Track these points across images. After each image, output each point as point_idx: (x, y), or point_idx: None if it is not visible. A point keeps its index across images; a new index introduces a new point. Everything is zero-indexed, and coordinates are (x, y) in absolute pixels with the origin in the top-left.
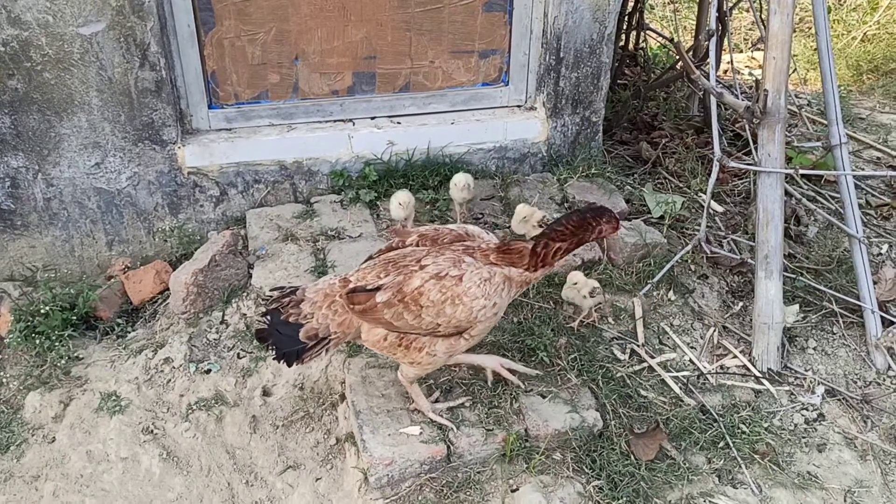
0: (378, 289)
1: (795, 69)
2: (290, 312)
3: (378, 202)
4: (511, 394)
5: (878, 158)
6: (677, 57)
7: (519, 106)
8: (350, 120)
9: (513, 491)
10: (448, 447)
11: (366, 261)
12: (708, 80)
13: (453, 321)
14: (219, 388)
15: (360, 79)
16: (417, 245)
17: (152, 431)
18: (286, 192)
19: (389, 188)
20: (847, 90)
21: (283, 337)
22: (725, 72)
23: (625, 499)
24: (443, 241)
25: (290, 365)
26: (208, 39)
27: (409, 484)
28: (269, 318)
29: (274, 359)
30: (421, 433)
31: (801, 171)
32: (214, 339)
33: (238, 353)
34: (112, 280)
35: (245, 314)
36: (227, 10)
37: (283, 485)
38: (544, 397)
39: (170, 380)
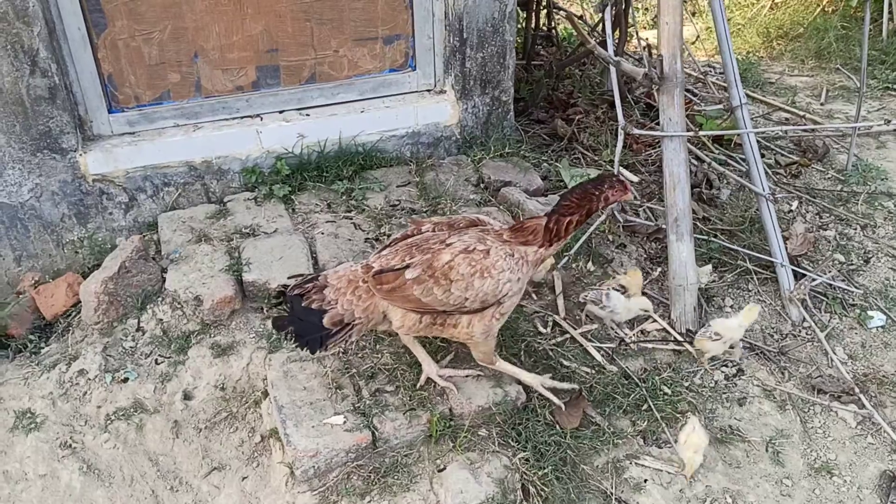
0: (406, 268)
1: (703, 37)
2: (314, 299)
3: (293, 196)
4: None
5: (787, 119)
6: (596, 34)
7: (428, 90)
8: (258, 115)
9: (440, 471)
10: (373, 433)
11: (383, 248)
12: (605, 50)
13: (480, 294)
14: (137, 396)
15: (264, 73)
16: (434, 231)
17: (70, 446)
18: (198, 193)
19: (303, 181)
20: (758, 56)
21: (305, 324)
22: (636, 48)
23: (551, 468)
24: (458, 226)
25: (313, 352)
26: (101, 41)
27: (336, 474)
28: (290, 305)
29: (295, 346)
30: (345, 422)
31: (706, 135)
32: (131, 347)
33: (156, 360)
34: (22, 296)
35: (162, 319)
36: (118, 10)
37: (209, 487)
38: (467, 376)
39: (86, 392)
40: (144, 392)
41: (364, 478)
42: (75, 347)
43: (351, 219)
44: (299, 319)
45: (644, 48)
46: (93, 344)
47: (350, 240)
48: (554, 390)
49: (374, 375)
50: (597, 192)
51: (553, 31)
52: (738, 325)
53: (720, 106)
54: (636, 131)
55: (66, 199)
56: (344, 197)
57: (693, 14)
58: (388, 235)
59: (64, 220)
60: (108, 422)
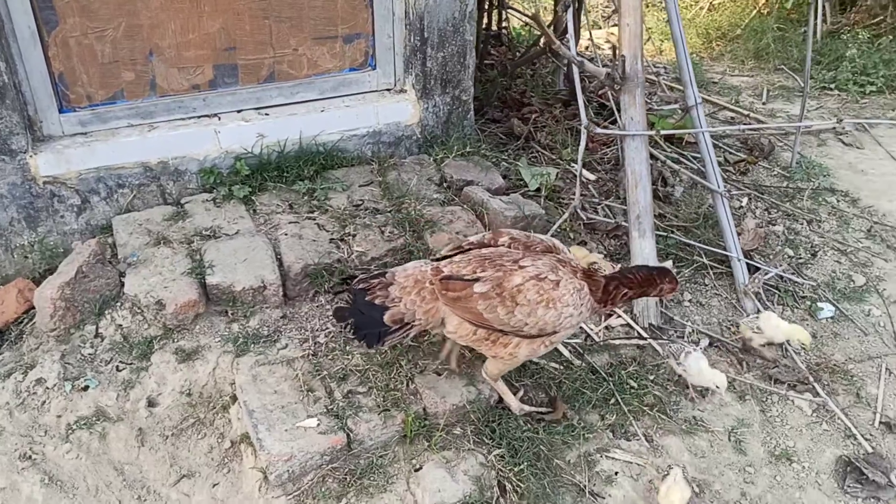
0: (476, 280)
1: (650, 38)
2: (378, 294)
3: (253, 197)
4: (407, 375)
5: (732, 118)
6: (539, 33)
7: (389, 89)
8: (215, 115)
9: (416, 470)
10: (348, 435)
11: (455, 250)
12: (569, 50)
13: (541, 323)
14: (99, 404)
15: (222, 71)
16: (509, 247)
17: (30, 457)
18: (154, 194)
19: (264, 182)
20: (699, 57)
21: (365, 318)
22: (587, 47)
23: (526, 463)
24: (534, 248)
25: (370, 346)
26: (52, 39)
27: (311, 477)
28: (353, 297)
29: (353, 337)
30: (318, 424)
31: (662, 133)
32: (90, 354)
33: (117, 366)
34: None
35: (121, 325)
36: (70, 7)
37: (179, 495)
38: (440, 375)
39: (45, 401)
40: (106, 400)
41: (340, 480)
42: (31, 356)
43: (314, 219)
44: (360, 312)
45: (590, 47)
46: (49, 352)
47: (314, 240)
48: (532, 413)
49: (345, 377)
50: (658, 281)
51: (503, 30)
52: (784, 332)
53: (673, 105)
54: (599, 130)
55: (15, 202)
56: (306, 197)
57: None
58: (353, 236)
59: (13, 223)
60: (70, 431)
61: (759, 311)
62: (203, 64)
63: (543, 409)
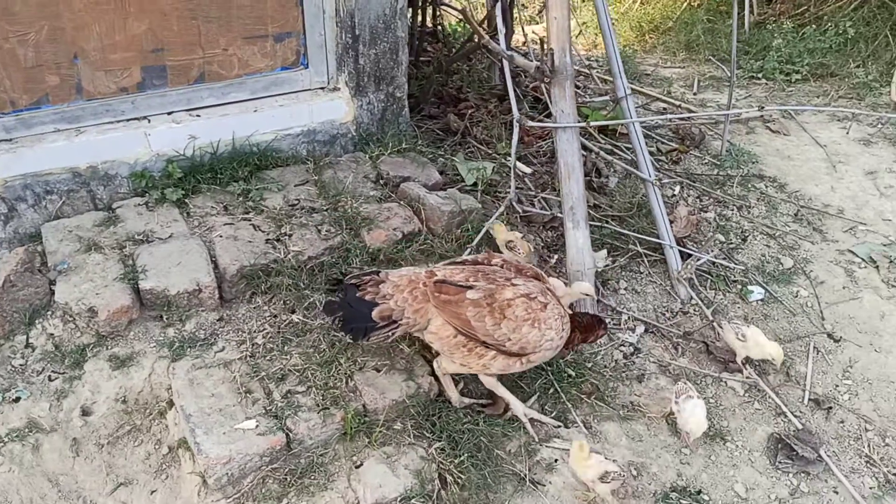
0: (469, 287)
1: (581, 31)
2: (368, 290)
3: (187, 200)
4: (346, 373)
5: (664, 109)
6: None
7: (322, 88)
8: (145, 117)
9: (357, 467)
10: (287, 435)
11: (450, 262)
12: (498, 45)
13: (522, 340)
14: (31, 416)
15: (150, 73)
16: (502, 267)
17: None
18: (84, 200)
19: (197, 184)
20: (633, 50)
21: (354, 311)
22: (523, 42)
23: (466, 454)
24: (525, 273)
25: (355, 340)
26: None
27: (251, 479)
28: (344, 292)
29: (340, 331)
30: (257, 426)
31: (596, 125)
32: (21, 365)
33: (49, 376)
34: None
35: (53, 334)
36: None
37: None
38: (379, 371)
39: None
40: (39, 411)
41: (280, 480)
42: None
43: (250, 220)
44: (350, 306)
45: (526, 42)
46: None
47: (250, 241)
48: (532, 421)
49: (284, 377)
50: (597, 329)
51: (439, 27)
52: (763, 350)
53: (604, 98)
54: (531, 123)
55: None
56: (241, 198)
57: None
58: (289, 236)
59: None
60: (1, 444)
61: (691, 298)
62: (130, 66)
63: (483, 402)
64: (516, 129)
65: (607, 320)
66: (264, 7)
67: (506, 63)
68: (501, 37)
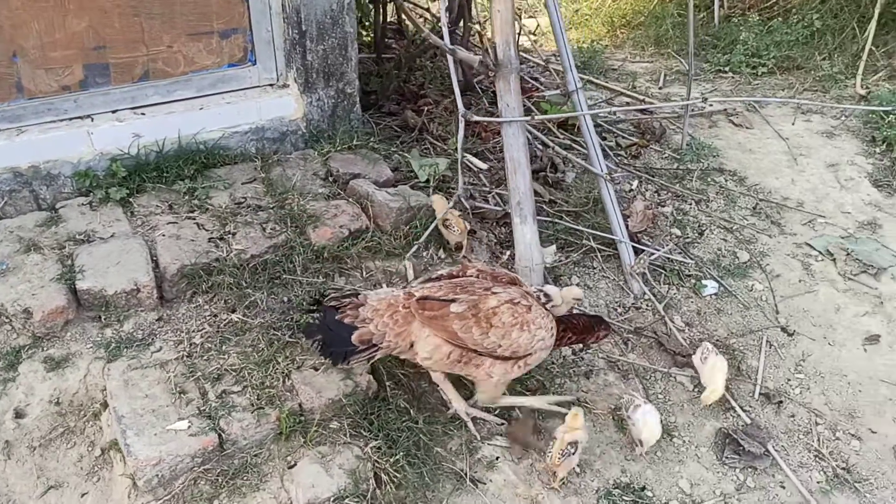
0: (452, 301)
1: (539, 27)
2: (348, 313)
3: (131, 199)
4: (283, 372)
5: (628, 103)
6: (438, 26)
7: (272, 84)
8: (88, 116)
9: (291, 467)
10: (220, 435)
11: (425, 280)
12: (443, 40)
13: (514, 345)
14: None
15: (93, 71)
16: (477, 277)
17: None
18: (27, 200)
19: (142, 183)
20: (603, 45)
21: (333, 335)
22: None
23: (402, 453)
24: (501, 279)
25: (335, 364)
26: None
27: (182, 480)
28: (323, 315)
29: (320, 354)
30: (189, 426)
31: (538, 119)
32: None
33: None
34: None
35: None
36: None
37: None
38: (317, 370)
39: None
40: None
41: (212, 482)
42: None
43: (194, 219)
44: (329, 330)
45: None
46: None
47: (193, 240)
48: (558, 404)
49: (220, 377)
50: (597, 330)
51: (402, 23)
52: (715, 381)
53: (557, 91)
54: (476, 118)
55: None
56: (186, 197)
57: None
58: (233, 234)
59: None
60: None
61: (643, 294)
62: (72, 64)
63: (569, 397)
64: (461, 124)
65: (608, 319)
66: (209, 3)
67: (450, 57)
68: (445, 30)
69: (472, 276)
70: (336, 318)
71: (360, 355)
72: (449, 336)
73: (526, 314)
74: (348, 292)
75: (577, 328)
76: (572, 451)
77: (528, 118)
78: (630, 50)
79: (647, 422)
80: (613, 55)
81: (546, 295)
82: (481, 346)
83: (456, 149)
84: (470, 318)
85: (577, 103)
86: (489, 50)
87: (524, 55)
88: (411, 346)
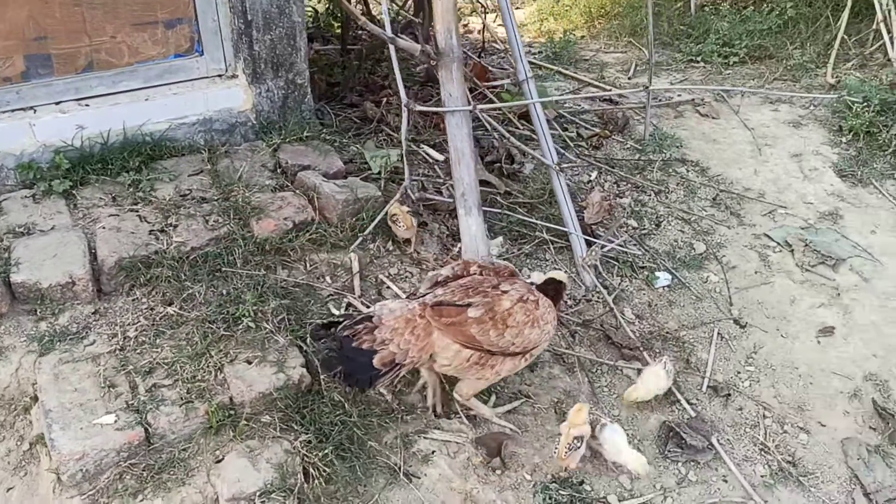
0: (468, 305)
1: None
2: (364, 339)
3: (74, 191)
4: (216, 365)
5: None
6: (401, 19)
7: (220, 75)
8: (31, 108)
9: (218, 462)
10: (146, 430)
11: (433, 285)
12: (382, 27)
13: (525, 341)
14: None
15: (34, 62)
16: (481, 274)
17: None
18: None
19: (86, 175)
20: (580, 35)
21: (354, 364)
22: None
23: (332, 447)
24: (502, 273)
25: (363, 391)
26: None
27: (107, 475)
28: (340, 345)
29: (343, 384)
30: (116, 421)
31: (480, 108)
32: None
33: None
34: None
35: None
36: None
37: None
38: (250, 363)
39: None
40: None
41: (137, 476)
42: None
43: (137, 211)
44: (349, 359)
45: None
46: None
47: (133, 233)
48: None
49: (151, 371)
50: (562, 292)
51: (367, 16)
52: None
53: (507, 81)
54: (419, 108)
55: None
56: (131, 189)
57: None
58: (175, 226)
59: None
60: None
61: (595, 286)
62: (12, 55)
63: (515, 404)
64: (405, 114)
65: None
66: None
67: (391, 47)
68: (386, 20)
69: (475, 273)
70: (353, 345)
71: (384, 378)
72: (467, 339)
73: (535, 310)
74: (359, 317)
75: (552, 296)
76: (578, 444)
77: (470, 107)
78: (605, 40)
79: (619, 447)
80: (588, 46)
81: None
82: (496, 346)
83: (410, 139)
84: (487, 322)
85: (527, 93)
86: (431, 38)
87: (495, 45)
88: (431, 356)
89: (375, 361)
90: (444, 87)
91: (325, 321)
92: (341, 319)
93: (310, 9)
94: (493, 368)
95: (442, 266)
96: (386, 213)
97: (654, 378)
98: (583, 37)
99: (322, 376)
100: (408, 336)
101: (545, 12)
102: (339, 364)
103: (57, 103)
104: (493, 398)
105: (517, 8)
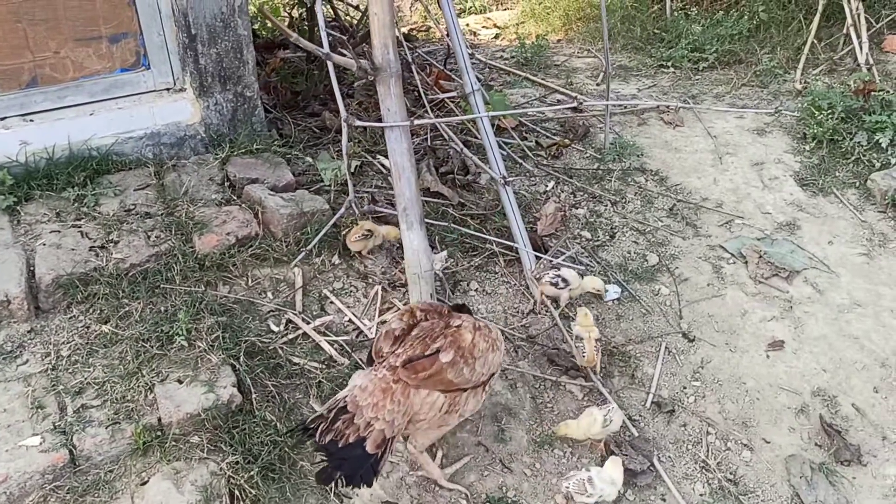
0: (437, 352)
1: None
2: (347, 434)
3: (18, 207)
4: (147, 385)
5: (559, 101)
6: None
7: (168, 89)
8: None
9: (143, 484)
10: (71, 451)
11: (392, 345)
12: (319, 45)
13: (490, 367)
14: None
15: None
16: (426, 318)
17: None
18: None
19: (30, 190)
20: (556, 40)
21: (350, 462)
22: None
23: (260, 468)
24: (444, 312)
25: (370, 485)
26: None
27: (32, 498)
28: (327, 451)
29: (348, 485)
30: (42, 442)
31: (417, 123)
32: None
33: None
34: None
35: None
36: None
37: None
38: (182, 382)
39: None
40: None
41: (61, 499)
42: None
43: (80, 227)
44: (343, 460)
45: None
46: None
47: (73, 249)
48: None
49: (81, 391)
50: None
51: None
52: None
53: (454, 93)
54: (358, 123)
55: None
56: (75, 204)
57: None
58: (116, 243)
59: None
60: None
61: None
62: None
63: (464, 461)
64: (345, 129)
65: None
66: (94, 8)
67: (328, 62)
68: (323, 34)
69: (421, 318)
70: (341, 446)
71: (383, 459)
72: (445, 387)
73: (490, 334)
74: (333, 413)
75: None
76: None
77: (408, 123)
78: (580, 45)
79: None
80: (562, 50)
81: (564, 280)
82: (468, 381)
83: (367, 150)
84: (459, 361)
85: (474, 106)
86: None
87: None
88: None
89: (369, 447)
90: (382, 102)
91: (300, 426)
92: (315, 425)
93: (285, 16)
94: (456, 411)
95: (388, 310)
96: (336, 227)
97: (588, 422)
98: (559, 41)
99: (254, 395)
100: (390, 406)
101: (527, 14)
102: (336, 471)
103: (1, 119)
104: (440, 454)
105: (506, 9)
